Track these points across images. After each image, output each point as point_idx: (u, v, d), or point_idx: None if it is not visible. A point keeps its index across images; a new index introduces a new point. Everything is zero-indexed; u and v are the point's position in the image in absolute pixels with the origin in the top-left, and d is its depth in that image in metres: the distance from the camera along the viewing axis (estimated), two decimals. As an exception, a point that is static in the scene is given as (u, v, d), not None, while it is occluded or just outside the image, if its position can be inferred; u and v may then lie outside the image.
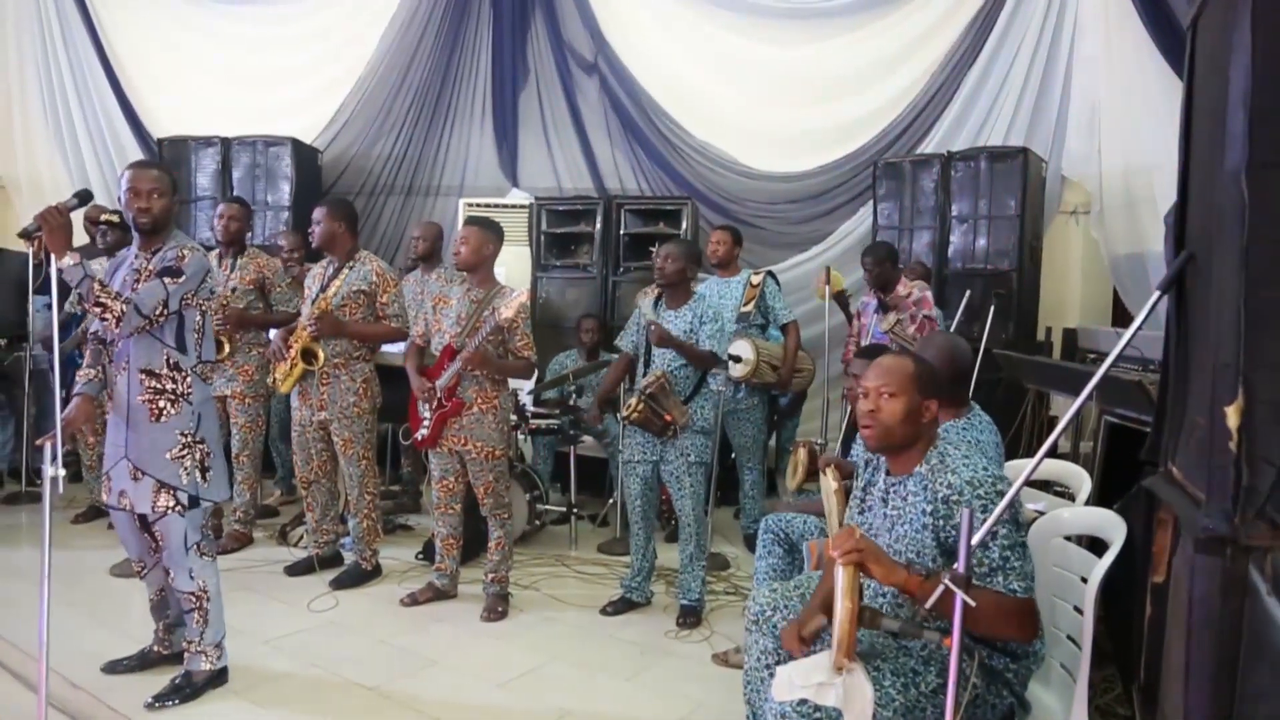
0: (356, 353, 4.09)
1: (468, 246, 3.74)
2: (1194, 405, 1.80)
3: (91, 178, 7.39)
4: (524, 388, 5.15)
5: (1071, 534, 2.38)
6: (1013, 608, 1.95)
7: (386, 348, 4.48)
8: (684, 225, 6.20)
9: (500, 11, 7.12)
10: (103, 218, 5.07)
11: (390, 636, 3.61)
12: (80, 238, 4.00)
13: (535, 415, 5.13)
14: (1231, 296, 1.47)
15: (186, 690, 2.99)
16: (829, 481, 2.88)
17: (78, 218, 4.10)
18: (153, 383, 2.87)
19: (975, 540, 1.84)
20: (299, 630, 3.66)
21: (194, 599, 2.99)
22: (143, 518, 2.97)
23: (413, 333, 3.97)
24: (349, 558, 4.29)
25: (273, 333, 4.35)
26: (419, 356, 3.88)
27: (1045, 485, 2.99)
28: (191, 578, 2.97)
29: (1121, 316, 5.73)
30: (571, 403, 5.13)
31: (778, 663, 2.23)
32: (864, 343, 4.70)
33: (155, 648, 3.23)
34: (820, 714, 1.94)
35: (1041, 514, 2.52)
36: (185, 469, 2.90)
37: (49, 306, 3.78)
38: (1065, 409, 2.50)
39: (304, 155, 6.81)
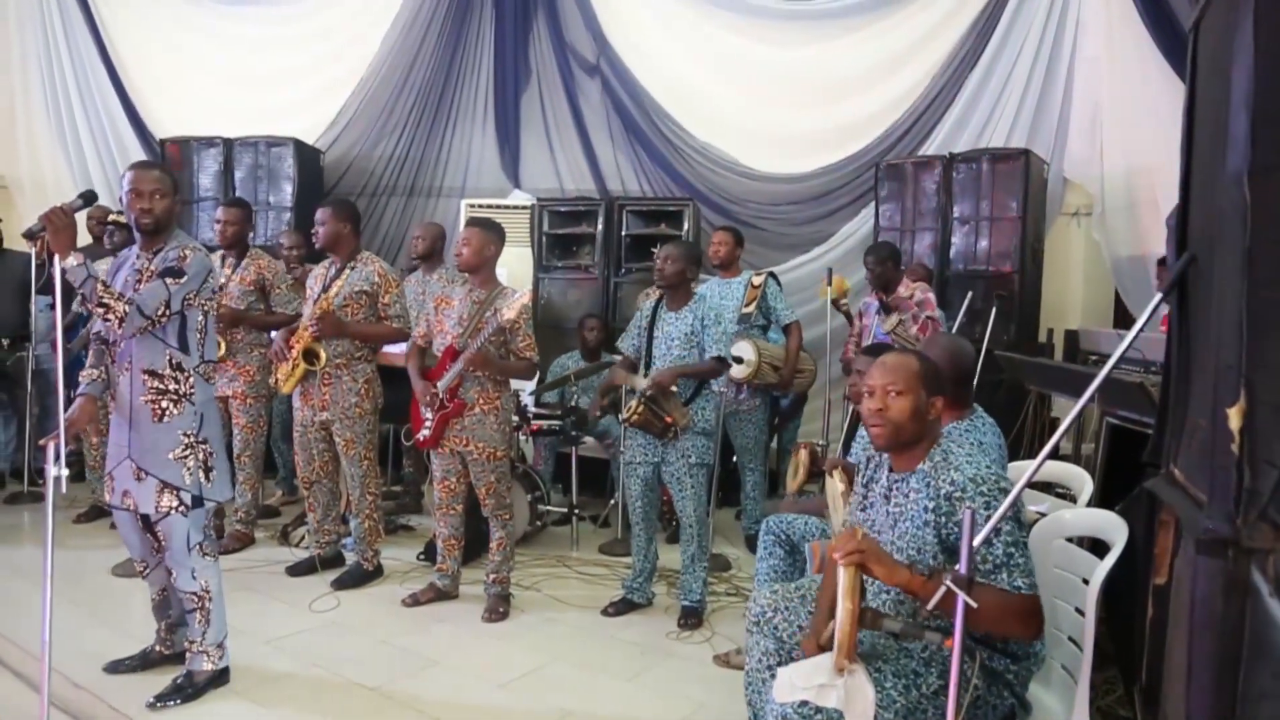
0: (358, 353, 4.10)
1: (469, 248, 3.74)
2: (1196, 407, 1.80)
3: (94, 178, 7.40)
4: (525, 389, 5.15)
5: (1073, 535, 2.38)
6: (1017, 605, 1.95)
7: (388, 348, 4.48)
8: (685, 226, 6.20)
9: (502, 12, 7.13)
10: (110, 218, 5.08)
11: (392, 637, 3.62)
12: (84, 238, 4.01)
13: (537, 416, 5.13)
14: (1233, 298, 1.47)
15: (188, 690, 2.99)
16: (835, 483, 2.88)
17: (81, 218, 4.11)
18: (155, 383, 2.88)
19: (978, 540, 1.84)
20: (300, 630, 3.66)
21: (196, 599, 3.00)
22: (145, 518, 2.98)
23: (414, 333, 3.98)
24: (350, 558, 4.29)
25: (274, 333, 4.36)
26: (421, 357, 3.88)
27: (1047, 487, 2.98)
28: (194, 578, 2.98)
29: (1123, 318, 5.73)
30: (573, 404, 5.13)
31: (779, 664, 2.23)
32: (865, 344, 4.70)
33: (157, 647, 3.23)
34: (821, 715, 1.94)
35: (1043, 515, 2.52)
36: (188, 469, 2.90)
37: (51, 307, 3.79)
38: (1067, 411, 2.50)
39: (306, 156, 6.82)
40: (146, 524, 3.02)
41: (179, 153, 6.73)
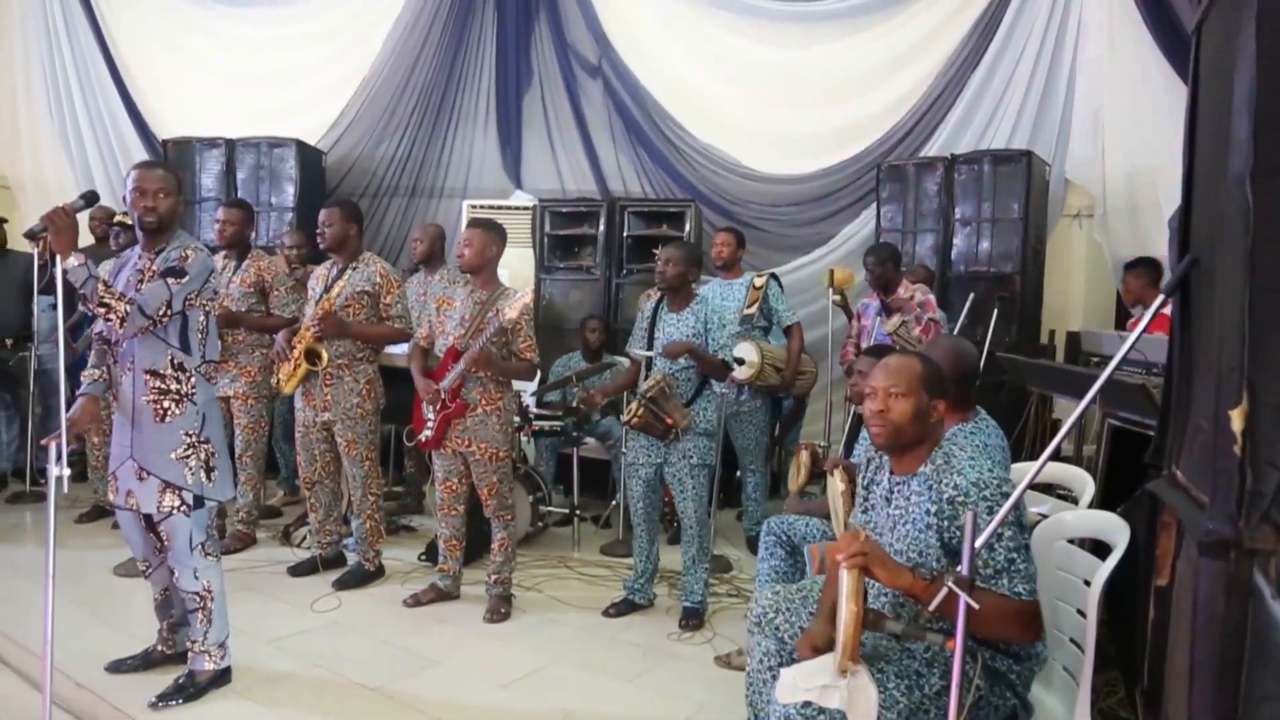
0: (360, 354, 4.10)
1: (471, 248, 3.74)
2: (1198, 409, 1.80)
3: (96, 178, 7.42)
4: (527, 389, 5.15)
5: (1075, 537, 2.38)
6: (1016, 610, 1.95)
7: (390, 349, 4.48)
8: (687, 227, 6.21)
9: (504, 14, 7.14)
10: (116, 218, 5.09)
11: (393, 637, 3.62)
12: (85, 239, 4.01)
13: (538, 417, 5.14)
14: (1236, 300, 1.47)
15: (190, 690, 3.00)
16: (836, 483, 2.88)
17: (83, 219, 4.11)
18: (157, 383, 2.88)
19: (979, 543, 1.84)
20: (302, 630, 3.66)
21: (198, 599, 3.00)
22: (148, 517, 2.98)
23: (416, 334, 3.98)
24: (352, 558, 4.30)
25: (278, 334, 4.36)
26: (423, 358, 3.89)
27: (1048, 488, 2.99)
28: (196, 578, 2.98)
29: (1124, 320, 5.73)
30: (574, 405, 5.13)
31: (781, 665, 2.24)
32: (865, 345, 4.70)
33: (159, 647, 3.23)
34: (824, 716, 1.94)
35: (1045, 517, 2.52)
36: (190, 469, 2.91)
37: (54, 307, 3.80)
38: (1069, 412, 2.50)
39: (308, 157, 6.83)
40: (149, 524, 3.03)
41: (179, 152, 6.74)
